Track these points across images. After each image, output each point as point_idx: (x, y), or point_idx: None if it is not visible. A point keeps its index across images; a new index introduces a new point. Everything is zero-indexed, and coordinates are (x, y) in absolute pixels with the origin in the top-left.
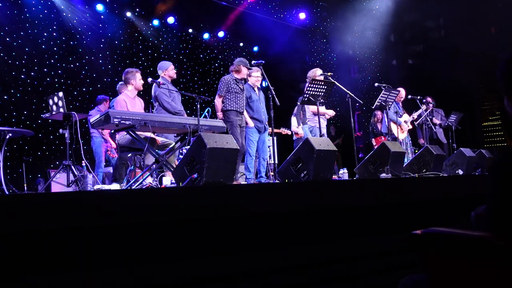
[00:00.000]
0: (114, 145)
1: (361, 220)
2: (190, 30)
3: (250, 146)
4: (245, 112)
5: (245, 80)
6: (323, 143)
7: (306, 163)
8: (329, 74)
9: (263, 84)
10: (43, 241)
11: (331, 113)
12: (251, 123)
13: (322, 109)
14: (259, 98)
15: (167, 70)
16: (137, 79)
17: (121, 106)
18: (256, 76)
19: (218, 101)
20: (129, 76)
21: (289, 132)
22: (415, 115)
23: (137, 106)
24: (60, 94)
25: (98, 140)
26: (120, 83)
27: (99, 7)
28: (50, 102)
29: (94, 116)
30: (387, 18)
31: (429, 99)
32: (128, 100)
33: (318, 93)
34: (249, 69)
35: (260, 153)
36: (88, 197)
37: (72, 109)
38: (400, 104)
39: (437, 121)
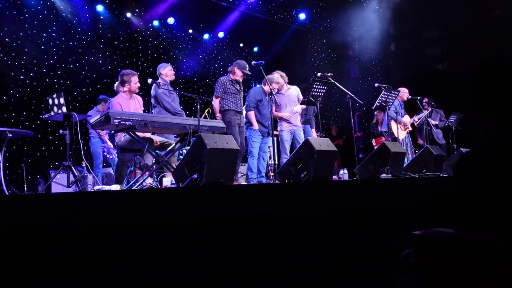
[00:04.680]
0: (111, 145)
1: (361, 220)
2: (190, 31)
3: (253, 146)
4: (252, 113)
5: (244, 79)
6: (323, 143)
7: (306, 163)
8: (329, 74)
9: None
10: (43, 241)
11: (298, 109)
12: (256, 126)
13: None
14: (268, 104)
15: (165, 70)
16: (133, 83)
17: (116, 109)
18: (276, 83)
19: (215, 102)
20: (125, 79)
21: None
22: (416, 118)
23: (134, 106)
24: (61, 94)
25: (95, 141)
26: (117, 82)
27: (99, 7)
28: (50, 102)
29: (94, 116)
30: (387, 18)
31: (426, 99)
32: (123, 102)
33: (318, 94)
34: (244, 72)
35: (261, 153)
36: (88, 197)
37: (72, 109)
38: (403, 104)
39: (433, 122)
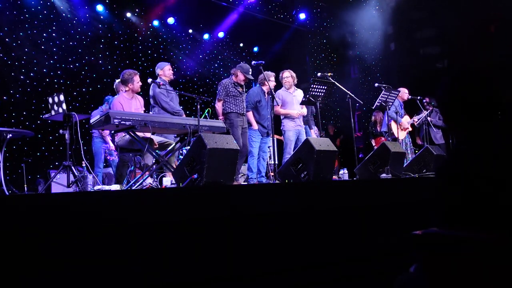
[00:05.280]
0: (112, 146)
1: (361, 220)
2: (190, 31)
3: (253, 146)
4: (250, 114)
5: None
6: (323, 143)
7: (306, 163)
8: (329, 74)
9: None
10: (43, 241)
11: (304, 111)
12: (255, 126)
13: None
14: (267, 104)
15: (164, 70)
16: (135, 82)
17: (117, 109)
18: (272, 81)
19: (218, 105)
20: (127, 78)
21: None
22: (416, 118)
23: (135, 106)
24: (61, 94)
25: (98, 140)
26: (118, 80)
27: (99, 7)
28: (50, 102)
29: (95, 116)
30: (387, 17)
31: (427, 99)
32: (124, 102)
33: (318, 94)
34: (246, 76)
35: (261, 153)
36: (88, 197)
37: (72, 109)
38: (403, 104)
39: (429, 118)
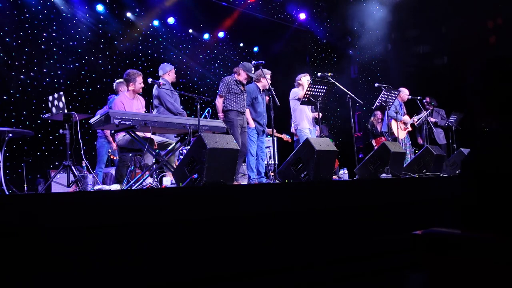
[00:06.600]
0: (115, 146)
1: (361, 220)
2: (190, 30)
3: (252, 146)
4: (247, 112)
5: (248, 82)
6: (323, 143)
7: (306, 163)
8: (329, 74)
9: None
10: (42, 241)
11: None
12: (252, 124)
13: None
14: (262, 101)
15: (170, 72)
16: (137, 83)
17: (118, 108)
18: (269, 79)
19: (218, 102)
20: (130, 78)
21: (290, 140)
22: (415, 118)
23: (136, 106)
24: (61, 94)
25: (102, 140)
26: (117, 81)
27: (99, 7)
28: (50, 102)
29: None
30: (387, 17)
31: (427, 99)
32: (126, 102)
33: (318, 94)
34: (248, 75)
35: (259, 153)
36: (88, 197)
37: (72, 109)
38: (403, 104)
39: (432, 119)
